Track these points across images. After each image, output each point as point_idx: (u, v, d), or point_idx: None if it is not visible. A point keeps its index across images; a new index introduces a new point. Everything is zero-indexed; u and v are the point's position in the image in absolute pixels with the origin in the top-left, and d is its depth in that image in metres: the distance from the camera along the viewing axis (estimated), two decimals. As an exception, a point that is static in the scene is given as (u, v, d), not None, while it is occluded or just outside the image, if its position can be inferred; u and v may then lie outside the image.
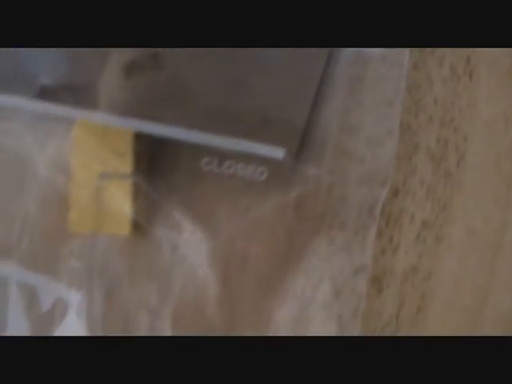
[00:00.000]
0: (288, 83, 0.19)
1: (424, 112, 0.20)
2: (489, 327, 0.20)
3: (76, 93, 0.20)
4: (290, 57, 0.20)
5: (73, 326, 0.21)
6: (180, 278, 0.20)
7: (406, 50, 0.20)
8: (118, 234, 0.20)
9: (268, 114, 0.19)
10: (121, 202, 0.20)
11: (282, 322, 0.20)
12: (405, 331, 0.20)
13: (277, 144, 0.19)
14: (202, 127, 0.19)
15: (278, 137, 0.19)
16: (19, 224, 0.21)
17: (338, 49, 0.20)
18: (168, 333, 0.20)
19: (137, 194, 0.20)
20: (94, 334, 0.21)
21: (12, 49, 0.21)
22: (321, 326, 0.20)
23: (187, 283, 0.20)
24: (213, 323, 0.20)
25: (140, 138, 0.20)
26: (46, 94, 0.20)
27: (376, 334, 0.20)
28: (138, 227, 0.20)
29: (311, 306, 0.20)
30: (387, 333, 0.20)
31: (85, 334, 0.20)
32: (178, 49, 0.19)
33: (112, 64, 0.20)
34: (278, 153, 0.19)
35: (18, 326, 0.21)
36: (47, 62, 0.20)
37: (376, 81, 0.20)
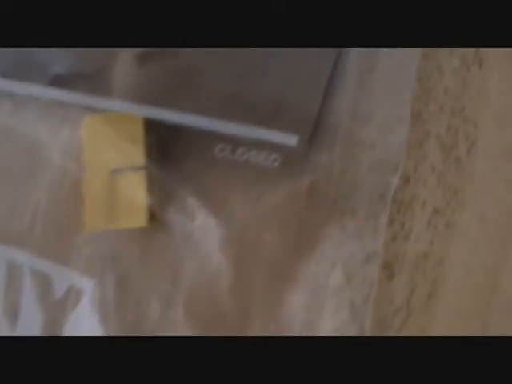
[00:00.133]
0: (301, 71, 0.20)
1: (435, 101, 0.21)
2: (500, 312, 0.20)
3: (89, 80, 0.20)
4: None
5: (86, 313, 0.21)
6: (193, 266, 0.20)
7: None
8: (135, 227, 0.20)
9: (281, 102, 0.19)
10: (136, 194, 0.20)
11: (295, 309, 0.20)
12: (416, 317, 0.20)
13: (290, 131, 0.19)
14: (215, 114, 0.19)
15: (291, 124, 0.19)
16: (31, 212, 0.21)
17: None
18: (180, 320, 0.20)
19: (150, 182, 0.20)
20: (106, 322, 0.21)
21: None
22: (333, 312, 0.20)
23: (200, 270, 0.20)
24: (225, 310, 0.20)
25: (152, 126, 0.20)
26: (59, 81, 0.20)
27: (388, 320, 0.20)
28: (152, 215, 0.20)
29: (323, 292, 0.20)
30: (398, 319, 0.20)
31: (97, 322, 0.21)
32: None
33: (126, 51, 0.20)
34: (291, 140, 0.19)
35: (32, 314, 0.21)
36: (61, 51, 0.20)
37: (387, 70, 0.20)
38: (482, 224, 0.20)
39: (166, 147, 0.20)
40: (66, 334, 0.21)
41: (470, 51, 0.21)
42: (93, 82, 0.20)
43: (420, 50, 0.20)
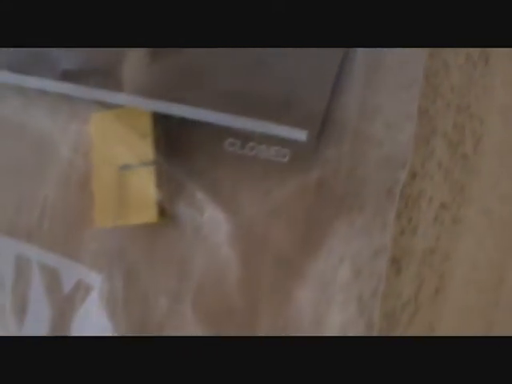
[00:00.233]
0: (310, 67, 0.20)
1: (441, 98, 0.21)
2: (507, 305, 0.20)
3: (99, 75, 0.20)
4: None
5: (94, 308, 0.21)
6: (201, 261, 0.20)
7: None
8: (145, 222, 0.20)
9: (290, 97, 0.20)
10: (145, 190, 0.20)
11: (303, 304, 0.20)
12: (424, 311, 0.20)
13: (299, 126, 0.20)
14: (225, 109, 0.19)
15: (300, 119, 0.20)
16: (40, 207, 0.21)
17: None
18: (188, 315, 0.20)
19: (159, 176, 0.20)
20: (114, 317, 0.21)
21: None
22: (341, 307, 0.20)
23: (208, 265, 0.20)
24: (233, 305, 0.20)
25: (162, 121, 0.20)
26: (69, 76, 0.20)
27: (396, 315, 0.20)
28: (161, 210, 0.20)
29: (331, 287, 0.20)
30: (406, 313, 0.20)
31: (106, 316, 0.21)
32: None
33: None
34: (300, 135, 0.20)
35: (40, 308, 0.21)
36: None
37: (394, 66, 0.20)
38: (488, 219, 0.20)
39: (175, 142, 0.20)
40: (74, 329, 0.21)
41: (475, 49, 0.21)
42: (103, 76, 0.20)
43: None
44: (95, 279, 0.21)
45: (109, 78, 0.20)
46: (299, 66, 0.20)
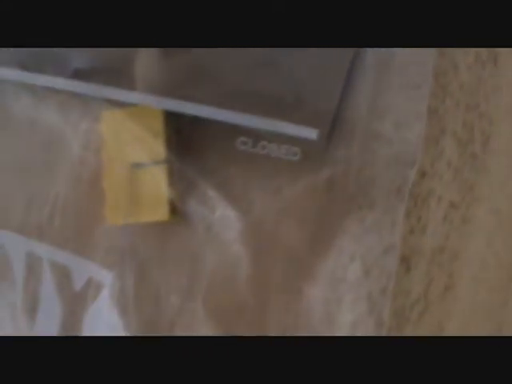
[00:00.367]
0: (320, 66, 0.20)
1: (450, 97, 0.21)
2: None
3: (111, 73, 0.20)
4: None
5: (105, 305, 0.21)
6: (212, 258, 0.21)
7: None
8: (157, 220, 0.20)
9: (301, 96, 0.20)
10: (157, 188, 0.20)
11: (313, 301, 0.20)
12: (433, 309, 0.20)
13: (310, 125, 0.20)
14: (237, 108, 0.19)
15: (311, 118, 0.20)
16: (51, 204, 0.22)
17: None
18: (199, 312, 0.21)
19: (171, 174, 0.20)
20: (126, 314, 0.21)
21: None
22: (351, 304, 0.20)
23: (219, 263, 0.20)
24: (244, 302, 0.20)
25: (174, 119, 0.20)
26: (80, 74, 0.20)
27: (405, 313, 0.20)
28: (173, 208, 0.20)
29: (341, 284, 0.20)
30: (416, 311, 0.20)
31: (117, 314, 0.21)
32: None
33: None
34: (311, 133, 0.20)
35: (51, 306, 0.21)
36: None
37: (404, 66, 0.21)
38: (497, 219, 0.21)
39: (187, 140, 0.20)
40: (85, 327, 0.21)
41: (484, 49, 0.21)
42: (114, 75, 0.20)
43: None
44: (106, 277, 0.21)
45: (120, 77, 0.20)
46: (310, 64, 0.20)
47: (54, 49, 0.20)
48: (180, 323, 0.21)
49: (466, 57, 0.21)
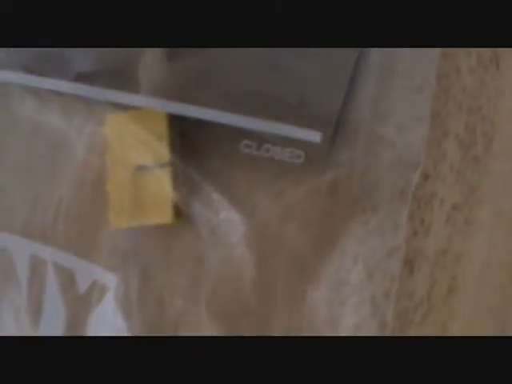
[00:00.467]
0: (324, 69, 0.20)
1: (453, 100, 0.21)
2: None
3: (115, 76, 0.20)
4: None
5: (109, 309, 0.21)
6: (216, 261, 0.21)
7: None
8: (161, 223, 0.20)
9: (304, 99, 0.20)
10: (161, 191, 0.20)
11: (317, 304, 0.20)
12: (436, 312, 0.20)
13: (314, 128, 0.20)
14: (240, 111, 0.20)
15: (315, 121, 0.20)
16: (55, 207, 0.22)
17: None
18: (203, 315, 0.21)
19: (175, 177, 0.20)
20: (130, 317, 0.21)
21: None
22: (354, 307, 0.20)
23: (223, 266, 0.21)
24: (248, 305, 0.20)
25: (178, 122, 0.20)
26: (84, 78, 0.20)
27: (409, 316, 0.20)
28: (177, 211, 0.20)
29: (345, 287, 0.20)
30: (419, 314, 0.20)
31: (121, 317, 0.21)
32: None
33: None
34: (314, 136, 0.20)
35: (55, 309, 0.21)
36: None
37: (407, 69, 0.21)
38: (499, 221, 0.21)
39: (191, 143, 0.20)
40: (89, 330, 0.21)
41: (487, 51, 0.21)
42: (118, 78, 0.20)
43: (438, 50, 0.21)
44: (111, 280, 0.21)
45: (124, 80, 0.20)
46: (313, 68, 0.20)
47: (59, 52, 0.20)
48: (184, 326, 0.21)
49: (468, 60, 0.21)
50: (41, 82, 0.21)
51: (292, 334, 0.20)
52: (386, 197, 0.20)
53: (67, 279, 0.21)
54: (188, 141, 0.21)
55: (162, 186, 0.20)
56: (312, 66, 0.20)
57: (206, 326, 0.21)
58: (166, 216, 0.20)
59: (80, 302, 0.21)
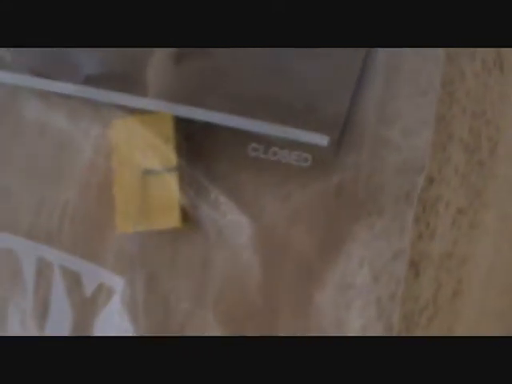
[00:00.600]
0: (330, 73, 0.20)
1: (457, 104, 0.21)
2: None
3: (123, 79, 0.20)
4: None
5: (116, 311, 0.21)
6: (222, 264, 0.21)
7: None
8: (168, 227, 0.20)
9: (311, 102, 0.20)
10: (169, 195, 0.20)
11: (323, 306, 0.20)
12: (442, 315, 0.20)
13: (321, 131, 0.20)
14: (248, 114, 0.20)
15: (322, 124, 0.20)
16: (61, 209, 0.22)
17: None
18: (209, 318, 0.21)
19: (182, 180, 0.20)
20: (136, 320, 0.21)
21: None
22: (360, 309, 0.20)
23: (229, 269, 0.21)
24: (254, 307, 0.21)
25: (186, 125, 0.20)
26: (92, 80, 0.21)
27: (414, 318, 0.20)
28: (185, 215, 0.20)
29: (351, 290, 0.20)
30: (425, 316, 0.20)
31: (127, 320, 0.21)
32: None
33: (160, 50, 0.20)
34: (321, 140, 0.20)
35: (61, 311, 0.21)
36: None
37: (412, 73, 0.21)
38: (504, 224, 0.21)
39: (198, 146, 0.21)
40: (96, 332, 0.21)
41: (491, 56, 0.21)
42: (125, 81, 0.20)
43: (443, 54, 0.21)
44: (117, 283, 0.21)
45: (131, 83, 0.20)
46: (320, 71, 0.20)
47: (66, 55, 0.21)
48: (190, 328, 0.21)
49: (472, 64, 0.21)
50: (48, 84, 0.21)
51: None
52: (392, 200, 0.20)
53: (73, 282, 0.21)
54: (195, 144, 0.21)
55: (169, 189, 0.20)
56: (319, 70, 0.20)
57: (212, 329, 0.21)
58: (173, 220, 0.20)
59: (86, 305, 0.21)
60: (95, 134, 0.21)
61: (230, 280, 0.21)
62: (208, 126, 0.20)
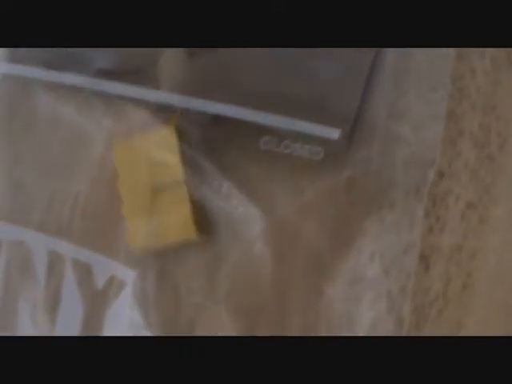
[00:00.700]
0: (342, 67, 0.20)
1: (467, 99, 0.21)
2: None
3: (135, 73, 0.20)
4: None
5: (127, 304, 0.21)
6: (234, 257, 0.21)
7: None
8: (184, 240, 0.20)
9: (324, 96, 0.20)
10: (180, 208, 0.20)
11: (334, 300, 0.20)
12: (452, 308, 0.20)
13: (333, 125, 0.20)
14: (261, 107, 0.20)
15: (334, 118, 0.20)
16: (72, 202, 0.22)
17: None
18: (221, 311, 0.21)
19: (195, 173, 0.20)
20: (147, 313, 0.21)
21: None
22: (371, 303, 0.20)
23: (241, 262, 0.21)
24: (265, 300, 0.21)
25: (199, 118, 0.20)
26: (105, 73, 0.21)
27: (424, 311, 0.20)
28: (198, 225, 0.20)
29: (361, 283, 0.20)
30: (435, 309, 0.20)
31: (138, 313, 0.21)
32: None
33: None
34: (333, 133, 0.20)
35: (72, 304, 0.21)
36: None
37: (422, 68, 0.21)
38: (513, 218, 0.21)
39: (212, 139, 0.21)
40: (107, 325, 0.21)
41: (500, 52, 0.22)
42: (138, 74, 0.20)
43: (453, 51, 0.21)
44: (128, 275, 0.21)
45: (144, 76, 0.20)
46: (332, 66, 0.20)
47: (79, 50, 0.21)
48: (201, 322, 0.21)
49: (482, 61, 0.21)
50: (60, 77, 0.21)
51: (309, 330, 0.20)
52: (402, 194, 0.21)
53: (85, 274, 0.21)
54: (210, 136, 0.21)
55: (180, 202, 0.20)
56: (331, 63, 0.20)
57: (223, 321, 0.21)
58: (188, 233, 0.20)
59: (97, 297, 0.21)
60: (107, 128, 0.21)
61: (241, 273, 0.21)
62: (220, 119, 0.20)
